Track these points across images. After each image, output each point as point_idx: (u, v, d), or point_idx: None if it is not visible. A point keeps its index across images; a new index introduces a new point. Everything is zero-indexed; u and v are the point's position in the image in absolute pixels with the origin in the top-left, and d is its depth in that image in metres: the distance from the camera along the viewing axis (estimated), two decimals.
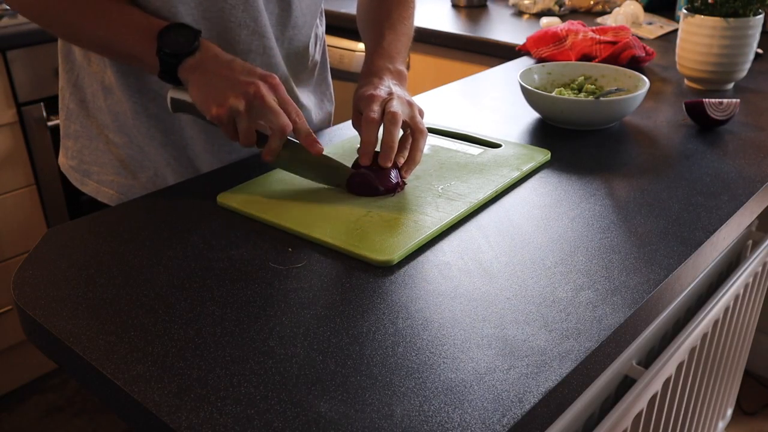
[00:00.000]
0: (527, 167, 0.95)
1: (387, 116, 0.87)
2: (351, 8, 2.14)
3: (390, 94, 0.91)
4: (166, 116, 1.00)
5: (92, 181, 1.05)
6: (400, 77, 0.98)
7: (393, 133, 0.86)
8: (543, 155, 0.99)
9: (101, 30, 0.88)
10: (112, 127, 1.02)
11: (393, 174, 0.88)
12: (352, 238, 0.78)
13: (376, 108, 0.88)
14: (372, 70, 0.98)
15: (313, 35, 1.11)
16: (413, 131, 0.88)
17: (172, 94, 0.90)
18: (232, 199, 0.87)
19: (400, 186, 0.88)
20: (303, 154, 0.88)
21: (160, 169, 1.03)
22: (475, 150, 1.01)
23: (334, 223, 0.81)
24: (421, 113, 0.92)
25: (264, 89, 0.82)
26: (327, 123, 1.20)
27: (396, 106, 0.88)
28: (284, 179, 0.92)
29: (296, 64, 1.08)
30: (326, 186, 0.90)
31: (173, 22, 0.87)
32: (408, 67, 1.10)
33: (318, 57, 1.15)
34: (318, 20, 1.13)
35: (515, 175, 0.93)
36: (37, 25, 0.95)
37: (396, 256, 0.74)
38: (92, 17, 0.88)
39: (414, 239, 0.77)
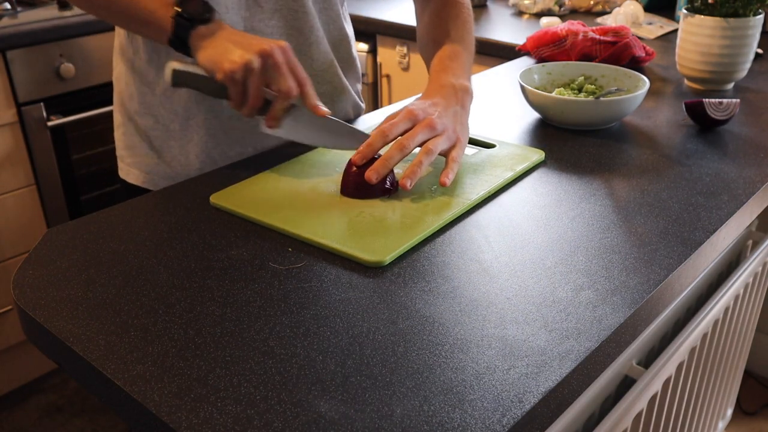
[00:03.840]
0: (521, 167, 0.95)
1: (396, 143, 0.84)
2: (353, 9, 2.14)
3: (429, 115, 0.87)
4: (187, 98, 1.03)
5: (124, 165, 1.11)
6: (465, 94, 0.96)
7: (393, 156, 0.84)
8: (537, 155, 0.99)
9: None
10: (140, 110, 1.06)
11: (388, 177, 0.87)
12: (344, 238, 0.78)
13: (400, 125, 0.86)
14: (434, 87, 0.96)
15: (349, 28, 1.14)
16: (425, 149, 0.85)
17: (175, 66, 0.91)
18: (224, 200, 0.87)
19: (393, 189, 0.87)
20: (310, 119, 0.90)
21: (184, 147, 1.06)
22: (469, 150, 1.00)
23: (325, 223, 0.81)
24: (458, 145, 0.89)
25: (277, 50, 0.85)
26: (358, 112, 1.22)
27: (419, 136, 0.85)
28: (277, 179, 0.92)
29: (339, 45, 1.11)
30: (341, 150, 0.93)
31: None
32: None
33: (355, 55, 1.17)
34: (347, 17, 1.16)
35: (509, 175, 0.93)
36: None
37: (387, 257, 0.74)
38: None
39: (406, 240, 0.77)
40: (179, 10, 0.88)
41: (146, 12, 0.90)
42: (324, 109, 0.88)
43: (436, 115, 0.88)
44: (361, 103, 1.21)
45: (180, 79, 0.92)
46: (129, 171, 1.11)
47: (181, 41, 0.89)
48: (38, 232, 1.94)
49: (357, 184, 0.86)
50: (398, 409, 0.55)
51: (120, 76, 1.09)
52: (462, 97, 0.95)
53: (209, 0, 0.93)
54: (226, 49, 0.86)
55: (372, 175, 0.83)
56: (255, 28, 1.00)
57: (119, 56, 1.08)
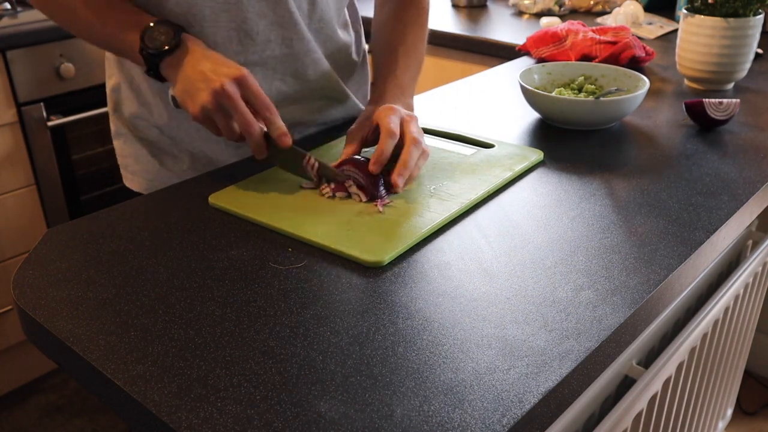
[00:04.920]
0: (520, 167, 0.95)
1: (408, 137, 0.87)
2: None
3: (409, 115, 0.91)
4: (185, 114, 1.03)
5: (128, 173, 1.12)
6: (409, 110, 0.98)
7: (413, 155, 0.86)
8: (536, 155, 0.99)
9: (98, 26, 0.91)
10: (138, 119, 1.07)
11: (381, 185, 0.87)
12: (343, 238, 0.78)
13: (396, 121, 0.88)
14: (384, 99, 0.98)
15: (353, 34, 1.14)
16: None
17: (172, 92, 0.91)
18: (223, 200, 0.87)
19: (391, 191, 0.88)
20: (285, 152, 0.88)
21: (186, 153, 1.06)
22: (467, 150, 1.00)
23: (325, 223, 0.81)
24: (425, 155, 0.92)
25: (229, 86, 0.82)
26: None
27: (415, 129, 0.89)
28: (277, 179, 0.92)
29: (337, 56, 1.10)
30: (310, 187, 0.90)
31: (157, 19, 0.88)
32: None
33: (357, 57, 1.17)
34: (355, 20, 1.16)
35: (507, 175, 0.93)
36: (46, 16, 0.97)
37: (386, 257, 0.74)
38: (91, 13, 0.90)
39: (405, 240, 0.77)
40: (145, 44, 0.86)
41: (121, 43, 0.89)
42: (287, 139, 0.86)
43: (415, 132, 0.88)
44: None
45: (178, 104, 0.92)
46: (133, 179, 1.11)
47: (156, 75, 0.88)
48: (38, 232, 1.94)
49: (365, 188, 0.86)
50: (398, 409, 0.55)
51: (116, 87, 1.08)
52: (407, 109, 0.97)
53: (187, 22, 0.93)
54: (189, 88, 0.84)
55: (400, 181, 0.84)
56: (249, 61, 0.98)
57: (114, 66, 1.08)
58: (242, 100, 0.83)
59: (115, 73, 1.08)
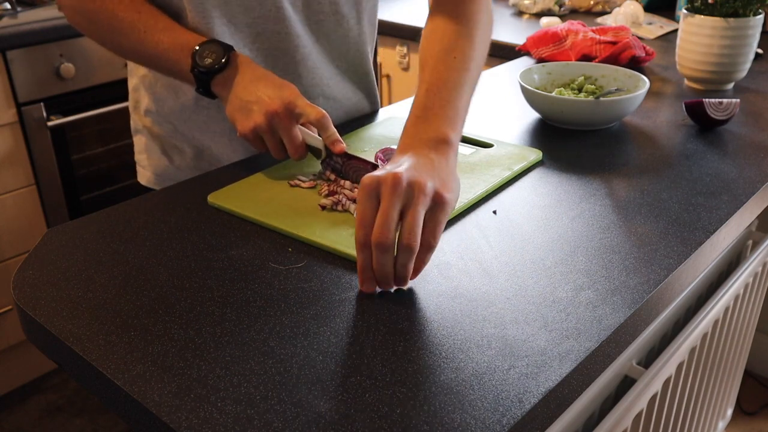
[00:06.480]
0: (518, 167, 0.95)
1: (402, 241, 0.65)
2: None
3: (420, 186, 0.66)
4: (200, 106, 1.04)
5: (140, 167, 1.14)
6: (440, 152, 0.74)
7: (408, 267, 0.66)
8: (535, 155, 0.99)
9: (142, 46, 0.93)
10: (155, 118, 1.08)
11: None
12: (341, 237, 0.78)
13: (367, 210, 0.66)
14: (403, 143, 0.77)
15: (369, 33, 1.12)
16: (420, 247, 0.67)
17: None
18: (222, 199, 0.87)
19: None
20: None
21: (196, 153, 1.08)
22: (466, 150, 1.00)
23: (322, 222, 0.81)
24: (441, 210, 0.67)
25: (282, 110, 0.86)
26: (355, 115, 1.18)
27: (414, 222, 0.65)
28: (276, 179, 0.92)
29: (327, 40, 1.07)
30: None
31: (206, 40, 0.91)
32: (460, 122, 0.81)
33: (363, 50, 1.12)
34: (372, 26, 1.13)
35: (506, 175, 0.93)
36: (86, 35, 0.99)
37: None
38: (134, 33, 0.93)
39: None
40: (195, 63, 0.89)
41: (168, 62, 0.92)
42: (341, 145, 0.89)
43: (409, 231, 0.65)
44: (369, 105, 1.19)
45: None
46: (143, 174, 1.13)
47: (206, 93, 0.92)
48: (38, 232, 1.94)
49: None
50: (398, 409, 0.55)
51: (136, 85, 1.10)
52: (437, 151, 0.74)
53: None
54: (243, 108, 0.88)
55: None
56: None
57: (134, 65, 1.09)
58: (294, 119, 0.88)
59: (135, 72, 1.10)
